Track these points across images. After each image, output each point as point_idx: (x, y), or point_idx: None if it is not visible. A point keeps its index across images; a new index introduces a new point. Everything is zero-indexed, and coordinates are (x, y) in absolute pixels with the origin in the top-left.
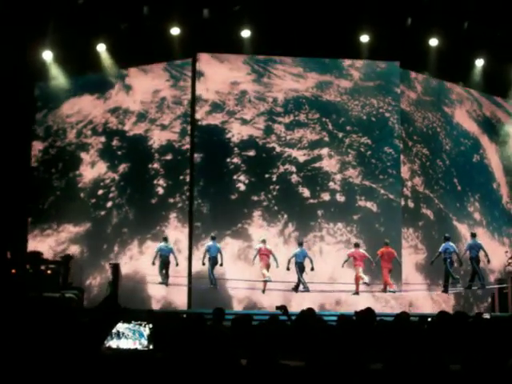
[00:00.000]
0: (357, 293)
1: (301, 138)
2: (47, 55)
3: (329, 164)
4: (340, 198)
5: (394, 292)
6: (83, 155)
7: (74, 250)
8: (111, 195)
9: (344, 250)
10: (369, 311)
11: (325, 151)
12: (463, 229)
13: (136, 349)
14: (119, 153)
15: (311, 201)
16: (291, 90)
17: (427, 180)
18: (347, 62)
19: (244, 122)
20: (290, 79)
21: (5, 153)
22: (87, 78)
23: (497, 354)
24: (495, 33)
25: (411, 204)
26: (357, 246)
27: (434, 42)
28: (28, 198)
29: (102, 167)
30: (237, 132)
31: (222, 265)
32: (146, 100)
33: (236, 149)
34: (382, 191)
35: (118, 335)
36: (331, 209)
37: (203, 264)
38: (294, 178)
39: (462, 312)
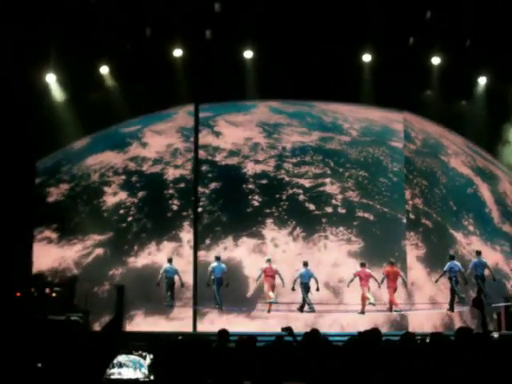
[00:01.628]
0: (363, 312)
1: (306, 171)
2: (50, 78)
3: (331, 188)
4: (341, 210)
5: (399, 312)
6: (106, 189)
7: (98, 252)
8: (131, 213)
9: (345, 246)
10: (374, 331)
11: (327, 180)
12: (458, 236)
13: (137, 379)
14: (138, 185)
15: (316, 212)
16: (298, 142)
17: (426, 201)
18: (346, 126)
19: (257, 162)
20: (297, 135)
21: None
22: (107, 136)
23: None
24: (497, 51)
25: (412, 216)
26: (363, 265)
27: (436, 60)
28: (32, 223)
29: (122, 195)
30: (251, 168)
31: (227, 285)
32: (160, 150)
33: (251, 179)
34: (379, 206)
35: (120, 365)
36: (334, 218)
37: (208, 285)
38: (301, 198)
39: (466, 329)
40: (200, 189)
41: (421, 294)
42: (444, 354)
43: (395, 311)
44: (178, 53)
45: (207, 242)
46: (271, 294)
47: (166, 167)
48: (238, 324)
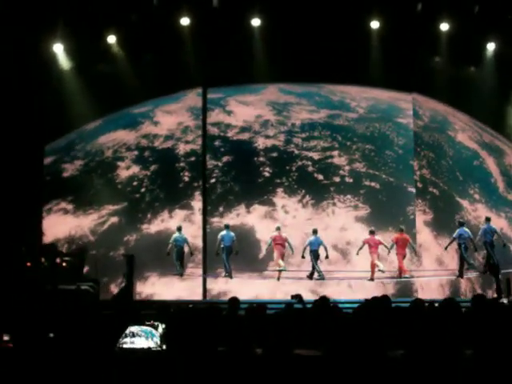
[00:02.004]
0: (372, 279)
1: (315, 145)
2: (58, 48)
3: (339, 160)
4: (348, 180)
5: (408, 278)
6: (119, 163)
7: (113, 220)
8: (144, 184)
9: (352, 212)
10: (384, 298)
11: (335, 152)
12: (464, 203)
13: (149, 348)
14: (150, 159)
15: (324, 182)
16: (306, 119)
17: (433, 171)
18: (353, 104)
19: (267, 137)
20: (305, 113)
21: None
22: (120, 117)
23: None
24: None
25: (419, 185)
26: (372, 232)
27: (444, 26)
28: (40, 197)
29: (135, 169)
30: (262, 143)
31: (237, 253)
32: (172, 128)
33: (261, 152)
34: (384, 176)
35: (132, 335)
36: (341, 186)
37: (217, 254)
38: (310, 169)
39: (480, 295)
40: (213, 162)
41: (428, 255)
42: (455, 319)
43: (404, 277)
44: (185, 21)
45: (220, 209)
46: (281, 262)
47: (177, 143)
48: (250, 283)
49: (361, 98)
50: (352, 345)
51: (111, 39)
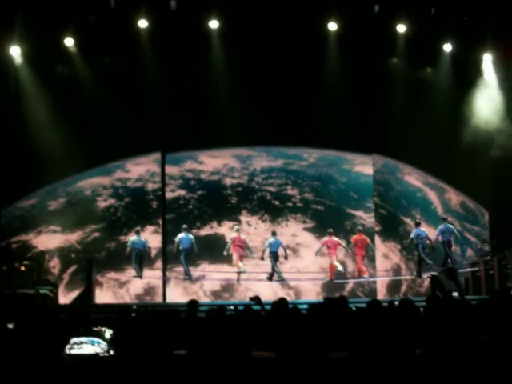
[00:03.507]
0: (331, 280)
1: (273, 182)
2: (15, 50)
3: (292, 192)
4: (299, 204)
5: (366, 279)
6: (97, 198)
7: (95, 235)
8: (119, 210)
9: (301, 225)
10: (341, 298)
11: (289, 187)
12: (407, 220)
13: (97, 353)
14: (124, 194)
15: (280, 206)
16: (266, 166)
17: (382, 199)
18: (305, 155)
19: (233, 177)
20: (265, 161)
21: None
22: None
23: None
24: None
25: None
26: (330, 234)
27: (401, 28)
28: None
29: (112, 201)
30: (229, 181)
31: (196, 255)
32: (141, 173)
33: (229, 188)
34: (328, 202)
35: (79, 342)
36: (293, 209)
37: (176, 258)
38: (268, 197)
39: (435, 296)
40: (190, 194)
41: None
42: (412, 318)
43: (363, 277)
44: (143, 24)
45: (197, 224)
46: (240, 263)
47: (146, 183)
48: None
49: (313, 151)
50: (308, 346)
51: (69, 42)
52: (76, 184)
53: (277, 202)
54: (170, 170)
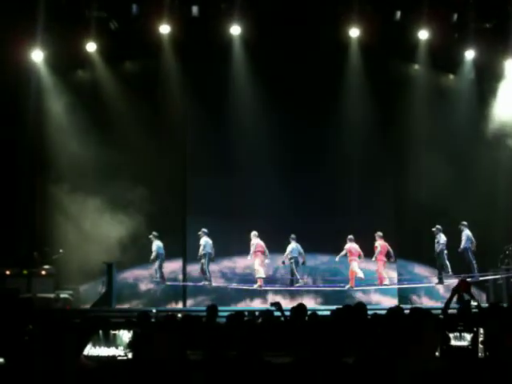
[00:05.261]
0: (351, 287)
1: None
2: (37, 55)
3: None
4: None
5: (386, 286)
6: None
7: None
8: None
9: None
10: (360, 304)
11: None
12: None
13: (114, 356)
14: None
15: None
16: None
17: None
18: None
19: None
20: None
21: None
22: None
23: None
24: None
25: None
26: (351, 240)
27: (423, 34)
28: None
29: None
30: None
31: (213, 260)
32: None
33: None
34: None
35: (98, 343)
36: None
37: (200, 261)
38: None
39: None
40: None
41: None
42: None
43: (384, 285)
44: (164, 29)
45: None
46: (261, 269)
47: None
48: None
49: None
50: (328, 351)
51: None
52: None
53: None
54: None
